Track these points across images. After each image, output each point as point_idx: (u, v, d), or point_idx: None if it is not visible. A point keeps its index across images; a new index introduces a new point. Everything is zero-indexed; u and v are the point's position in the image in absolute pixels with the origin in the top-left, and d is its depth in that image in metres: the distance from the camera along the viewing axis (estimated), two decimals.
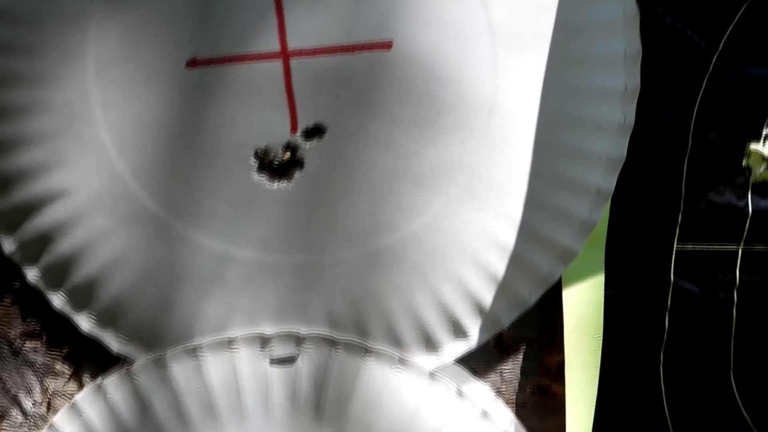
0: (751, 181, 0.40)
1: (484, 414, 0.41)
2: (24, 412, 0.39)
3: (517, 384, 0.42)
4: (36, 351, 0.39)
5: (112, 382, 0.39)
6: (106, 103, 0.34)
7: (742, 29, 0.38)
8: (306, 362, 0.40)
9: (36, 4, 0.34)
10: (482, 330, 0.39)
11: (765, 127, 0.39)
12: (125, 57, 0.34)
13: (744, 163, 0.40)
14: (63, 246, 0.36)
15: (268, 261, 0.37)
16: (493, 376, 0.42)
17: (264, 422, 0.39)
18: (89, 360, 0.39)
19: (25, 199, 0.36)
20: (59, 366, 0.39)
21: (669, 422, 0.42)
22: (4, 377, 0.39)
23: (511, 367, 0.42)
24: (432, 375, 0.40)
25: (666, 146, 0.39)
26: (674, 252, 0.40)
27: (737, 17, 0.38)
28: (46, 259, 0.37)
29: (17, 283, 0.38)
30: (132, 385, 0.39)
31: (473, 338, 0.39)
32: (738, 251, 0.40)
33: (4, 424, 0.39)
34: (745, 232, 0.40)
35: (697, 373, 0.41)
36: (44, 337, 0.39)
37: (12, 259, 0.37)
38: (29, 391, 0.39)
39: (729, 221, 0.40)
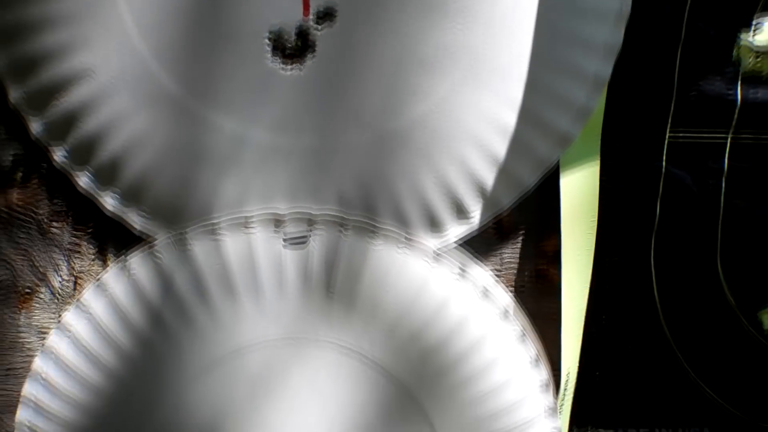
0: (740, 73, 0.42)
1: (485, 293, 0.43)
2: (52, 291, 0.42)
3: (516, 268, 0.45)
4: (62, 231, 0.41)
5: (135, 260, 0.41)
6: None
7: None
8: (317, 243, 0.42)
9: None
10: (484, 211, 0.41)
11: (755, 17, 0.41)
12: None
13: (734, 54, 0.42)
14: (88, 125, 0.38)
15: (281, 144, 0.40)
16: (494, 260, 0.44)
17: (278, 299, 0.42)
18: (113, 241, 0.41)
19: (51, 80, 0.38)
20: (84, 246, 0.41)
21: (658, 303, 0.45)
22: (33, 256, 0.41)
23: (511, 252, 0.45)
24: (436, 255, 0.42)
25: (660, 37, 0.41)
26: (666, 141, 0.42)
27: None
28: (72, 138, 0.39)
29: (44, 165, 0.40)
30: (154, 263, 0.41)
31: (475, 219, 0.42)
32: (727, 140, 0.42)
33: (34, 301, 0.42)
34: (734, 121, 0.42)
35: (685, 256, 0.44)
36: (70, 218, 0.41)
37: (39, 142, 0.39)
38: (57, 270, 0.41)
39: (719, 110, 0.42)
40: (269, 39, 0.38)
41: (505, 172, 0.41)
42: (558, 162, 0.42)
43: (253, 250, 0.41)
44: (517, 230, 0.44)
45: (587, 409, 0.47)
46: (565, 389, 0.46)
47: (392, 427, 0.44)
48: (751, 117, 0.42)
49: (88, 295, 0.42)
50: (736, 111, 0.42)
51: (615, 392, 0.47)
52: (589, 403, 0.47)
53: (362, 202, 0.41)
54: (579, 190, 0.43)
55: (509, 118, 0.40)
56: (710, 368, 0.46)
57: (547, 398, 0.45)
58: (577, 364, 0.46)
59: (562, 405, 0.46)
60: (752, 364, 0.46)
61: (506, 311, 0.44)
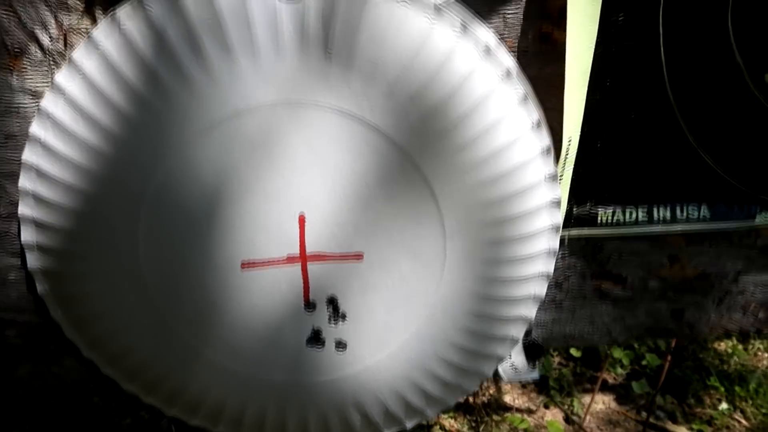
0: None
1: (488, 50, 0.42)
2: (42, 48, 0.40)
3: (519, 29, 0.43)
4: None
5: (125, 13, 0.40)
6: None
7: None
8: None
9: None
10: None
11: None
12: None
13: None
14: None
15: None
16: (496, 22, 0.43)
17: (275, 58, 0.41)
18: None
19: None
20: (72, 1, 0.40)
21: (664, 64, 0.43)
22: (18, 11, 0.39)
23: (514, 12, 0.43)
24: (437, 8, 0.41)
25: None
26: None
27: None
28: None
29: None
30: (145, 15, 0.39)
31: None
32: None
33: (24, 61, 0.40)
34: None
35: (694, 14, 0.42)
36: None
37: None
38: (45, 27, 0.40)
39: None
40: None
41: None
42: None
43: (247, 3, 0.40)
44: None
45: (587, 184, 0.47)
46: (566, 156, 0.46)
47: (392, 192, 0.44)
48: None
49: (79, 52, 0.40)
50: None
51: (615, 165, 0.47)
52: (588, 177, 0.47)
53: None
54: None
55: None
56: (713, 136, 0.46)
57: (548, 164, 0.45)
58: (579, 131, 0.45)
59: (562, 173, 0.46)
60: (755, 131, 0.45)
61: (509, 72, 0.43)
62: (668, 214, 0.49)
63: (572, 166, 0.46)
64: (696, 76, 0.44)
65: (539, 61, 0.44)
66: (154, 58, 0.40)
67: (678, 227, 0.49)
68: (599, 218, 0.49)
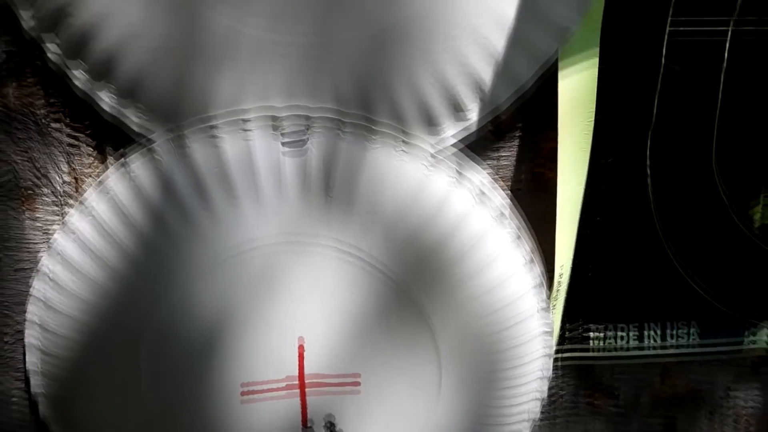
0: None
1: (482, 195, 0.44)
2: (54, 191, 0.42)
3: (513, 171, 0.45)
4: (60, 131, 0.41)
5: (135, 160, 0.41)
6: None
7: None
8: (315, 145, 0.42)
9: None
10: (481, 108, 0.41)
11: None
12: None
13: None
14: (80, 17, 0.38)
15: (277, 39, 0.39)
16: (491, 162, 0.45)
17: (278, 201, 0.42)
18: (111, 140, 0.42)
19: None
20: (84, 147, 0.42)
21: (651, 200, 0.45)
22: (33, 155, 0.41)
23: (508, 153, 0.45)
24: (434, 157, 0.43)
25: None
26: (666, 35, 0.42)
27: None
28: (64, 31, 0.38)
29: (39, 63, 0.40)
30: (154, 164, 0.41)
31: (473, 116, 0.42)
32: (728, 33, 0.42)
33: (36, 200, 0.42)
34: (736, 12, 0.42)
35: (681, 153, 0.44)
36: (68, 118, 0.41)
37: (32, 34, 0.39)
38: (57, 170, 0.42)
39: (720, 3, 0.41)
40: None
41: (502, 67, 0.40)
42: (556, 60, 0.41)
43: (252, 153, 0.41)
44: (514, 130, 0.44)
45: (579, 306, 0.49)
46: (558, 286, 0.47)
47: (391, 326, 0.46)
48: (751, 10, 0.42)
49: (91, 195, 0.42)
50: (738, 3, 0.41)
51: (606, 290, 0.48)
52: (581, 300, 0.48)
53: (359, 99, 0.40)
54: (577, 89, 0.43)
55: (508, 10, 0.39)
56: (700, 264, 0.48)
57: (541, 297, 0.47)
58: (570, 263, 0.47)
59: (554, 304, 0.48)
60: (741, 260, 0.47)
61: (502, 213, 0.45)
62: (658, 336, 0.50)
63: (564, 294, 0.48)
64: (683, 210, 0.46)
65: (532, 198, 0.46)
66: (161, 203, 0.41)
67: (669, 351, 0.50)
68: (591, 342, 0.50)
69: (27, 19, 0.38)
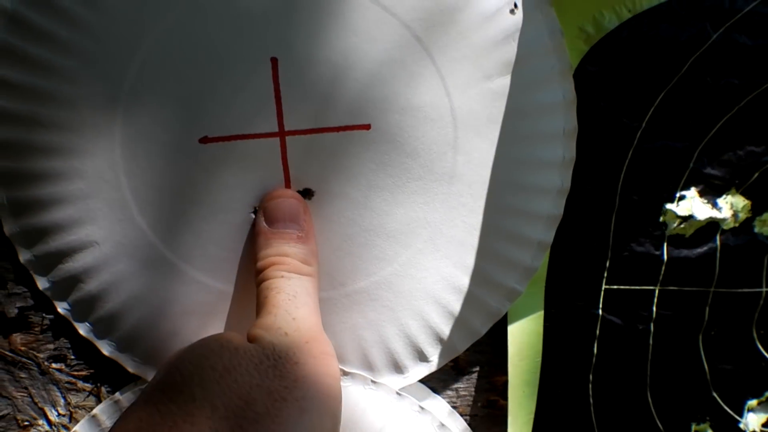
0: (666, 234, 0.48)
1: (442, 426, 0.49)
2: (49, 422, 0.46)
3: (470, 399, 0.50)
4: (61, 372, 0.45)
5: (127, 397, 0.46)
6: (129, 172, 0.41)
7: (660, 111, 0.46)
8: None
9: (74, 89, 0.40)
10: (441, 355, 0.47)
11: (678, 191, 0.47)
12: (147, 135, 0.41)
13: (661, 219, 0.48)
14: (90, 286, 0.43)
15: None
16: (450, 393, 0.50)
17: None
18: (108, 378, 0.46)
19: (59, 248, 0.42)
20: (81, 383, 0.46)
21: (596, 429, 0.50)
22: (32, 393, 0.45)
23: (466, 386, 0.50)
24: (398, 394, 0.47)
25: (597, 206, 0.47)
26: (602, 291, 0.48)
27: (657, 102, 0.46)
28: (75, 296, 0.43)
29: (44, 315, 0.45)
30: None
31: (434, 362, 0.47)
32: (655, 291, 0.48)
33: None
34: (661, 275, 0.48)
35: (619, 390, 0.49)
36: (69, 360, 0.45)
37: (45, 294, 0.44)
38: (54, 405, 0.45)
39: (648, 267, 0.48)
40: (254, 211, 0.43)
41: (460, 323, 0.46)
42: (507, 313, 0.47)
43: None
44: (471, 367, 0.49)
45: None
46: None
47: None
48: (676, 271, 0.48)
49: (81, 427, 0.46)
50: (663, 266, 0.48)
51: None
52: None
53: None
54: (525, 335, 0.48)
55: (463, 279, 0.45)
56: None
57: None
58: None
59: None
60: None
61: None
62: None
63: None
64: None
65: (487, 423, 0.50)
66: None
67: None
68: None
69: (42, 283, 0.43)
